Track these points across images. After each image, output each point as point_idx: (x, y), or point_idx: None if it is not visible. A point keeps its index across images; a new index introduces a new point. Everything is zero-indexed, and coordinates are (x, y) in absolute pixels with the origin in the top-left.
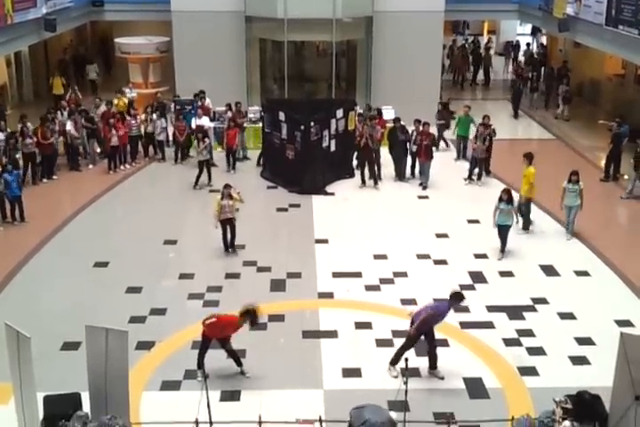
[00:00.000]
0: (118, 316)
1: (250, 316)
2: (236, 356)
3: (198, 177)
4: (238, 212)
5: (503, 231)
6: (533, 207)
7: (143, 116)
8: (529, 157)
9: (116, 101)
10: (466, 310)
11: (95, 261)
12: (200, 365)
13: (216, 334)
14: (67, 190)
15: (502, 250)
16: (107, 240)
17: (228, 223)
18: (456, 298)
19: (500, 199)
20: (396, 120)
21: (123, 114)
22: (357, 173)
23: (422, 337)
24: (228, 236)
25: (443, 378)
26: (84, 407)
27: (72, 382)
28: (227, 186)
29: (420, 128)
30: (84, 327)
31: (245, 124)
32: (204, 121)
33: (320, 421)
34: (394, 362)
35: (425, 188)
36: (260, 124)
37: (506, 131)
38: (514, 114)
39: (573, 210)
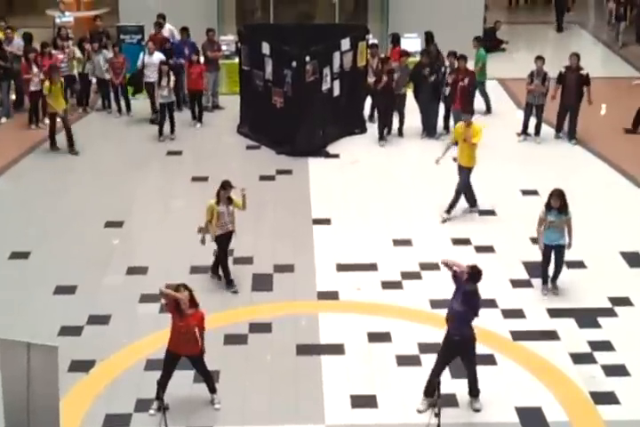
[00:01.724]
0: (44, 325)
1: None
2: (211, 378)
3: (161, 125)
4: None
5: (554, 254)
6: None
7: (76, 51)
8: (469, 109)
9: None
10: (520, 314)
11: (11, 250)
12: (160, 393)
13: (187, 348)
14: None
15: (554, 278)
16: (27, 222)
17: (225, 240)
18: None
19: (549, 206)
20: (425, 53)
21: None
22: (371, 125)
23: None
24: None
25: (478, 410)
26: None
27: None
28: (225, 185)
29: (456, 64)
30: None
31: (220, 61)
32: (157, 58)
33: None
34: (428, 391)
35: None
36: (237, 60)
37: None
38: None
39: None
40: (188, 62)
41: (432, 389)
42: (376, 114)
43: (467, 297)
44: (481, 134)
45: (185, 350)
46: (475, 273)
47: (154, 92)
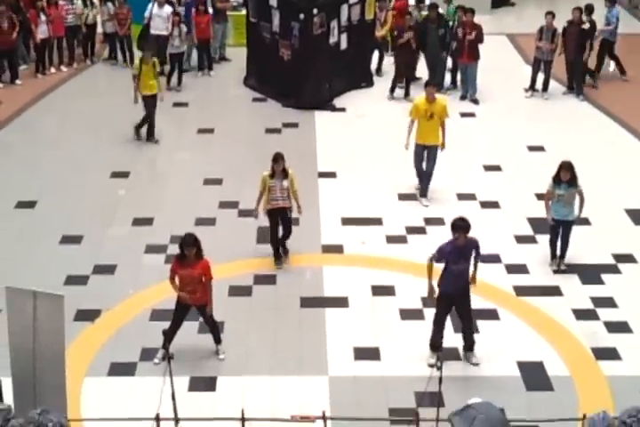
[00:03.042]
0: (50, 275)
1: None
2: (217, 329)
3: (170, 75)
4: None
5: (562, 230)
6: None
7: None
8: (432, 83)
9: None
10: (523, 270)
11: (18, 200)
12: (166, 342)
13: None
14: None
15: (562, 255)
16: (34, 171)
17: (279, 216)
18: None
19: (557, 179)
20: (432, 8)
21: None
22: (378, 79)
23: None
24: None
25: (477, 364)
26: (4, 398)
27: None
28: (277, 157)
29: (463, 18)
30: (4, 289)
31: (229, 12)
32: (167, 10)
33: (324, 418)
34: (434, 345)
35: (476, 101)
36: (244, 12)
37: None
38: None
39: None
40: (195, 12)
41: (438, 343)
42: (384, 68)
43: (461, 251)
44: (442, 111)
45: (192, 300)
46: (452, 224)
47: (160, 44)
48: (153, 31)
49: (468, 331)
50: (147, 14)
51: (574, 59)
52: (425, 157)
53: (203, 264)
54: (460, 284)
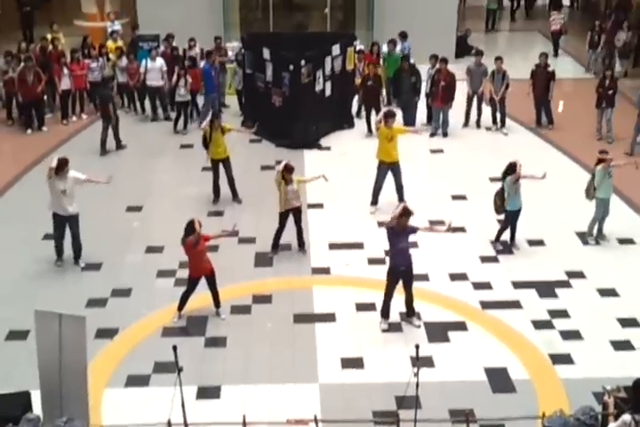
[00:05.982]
0: (74, 298)
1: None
2: (218, 295)
3: (176, 120)
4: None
5: (513, 218)
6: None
7: (112, 57)
8: (389, 115)
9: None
10: (488, 286)
11: (44, 232)
12: (182, 305)
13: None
14: (9, 147)
15: (512, 239)
16: None
17: (292, 214)
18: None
19: (505, 175)
20: (404, 58)
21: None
22: (358, 121)
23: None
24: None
25: (419, 327)
26: (34, 409)
27: (20, 378)
28: (287, 168)
29: (437, 66)
30: (33, 313)
31: (228, 65)
32: (159, 63)
33: (315, 421)
34: (384, 313)
35: (446, 134)
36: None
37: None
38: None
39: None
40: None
41: (388, 311)
42: (364, 111)
43: (407, 233)
44: (402, 129)
45: (205, 271)
46: (405, 211)
47: (156, 95)
48: (148, 82)
49: (410, 300)
50: (142, 69)
51: (542, 96)
52: (391, 174)
53: (205, 238)
54: (406, 259)
